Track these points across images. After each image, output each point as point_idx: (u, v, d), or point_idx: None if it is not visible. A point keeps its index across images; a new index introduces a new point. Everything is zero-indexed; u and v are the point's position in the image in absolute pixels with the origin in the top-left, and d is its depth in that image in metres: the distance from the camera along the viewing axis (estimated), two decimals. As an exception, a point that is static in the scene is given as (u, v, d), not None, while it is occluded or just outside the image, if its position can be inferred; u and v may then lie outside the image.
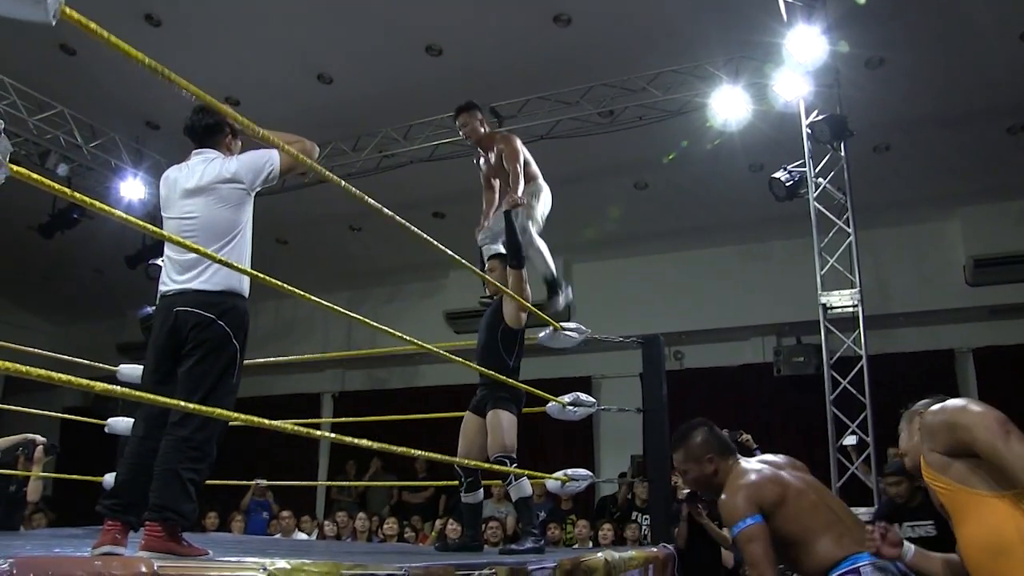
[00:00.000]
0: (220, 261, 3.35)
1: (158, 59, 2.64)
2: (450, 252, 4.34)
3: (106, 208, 2.81)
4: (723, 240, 12.64)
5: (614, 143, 10.40)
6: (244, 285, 3.73)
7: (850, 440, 8.55)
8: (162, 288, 3.72)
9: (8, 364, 2.08)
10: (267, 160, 3.78)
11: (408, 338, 4.24)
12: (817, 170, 8.85)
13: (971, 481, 2.79)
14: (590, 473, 6.11)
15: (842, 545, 3.59)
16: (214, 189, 3.70)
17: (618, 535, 8.99)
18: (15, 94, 10.03)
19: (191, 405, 2.91)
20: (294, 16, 9.34)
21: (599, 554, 4.63)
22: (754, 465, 3.95)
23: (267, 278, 3.29)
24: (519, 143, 6.14)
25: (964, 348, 11.96)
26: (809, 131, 8.78)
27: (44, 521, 9.44)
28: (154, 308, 3.77)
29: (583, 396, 6.05)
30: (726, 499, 3.76)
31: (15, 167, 2.31)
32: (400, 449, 3.65)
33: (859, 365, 8.28)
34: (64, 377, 2.26)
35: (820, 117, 8.69)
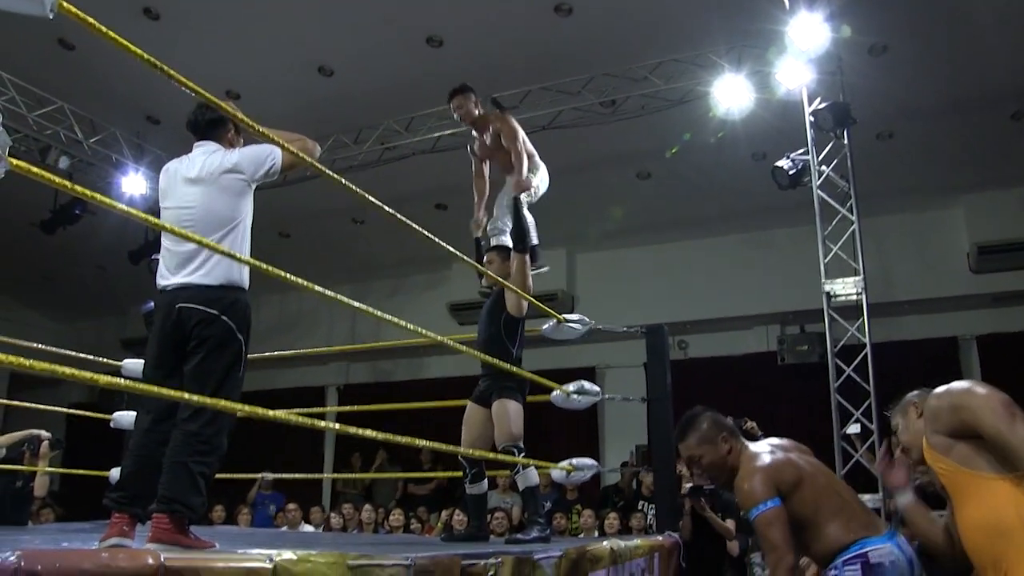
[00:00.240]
0: (220, 251, 3.35)
1: (157, 53, 2.64)
2: (451, 248, 4.33)
3: (107, 201, 2.81)
4: (726, 229, 12.64)
5: (616, 133, 10.39)
6: (245, 277, 3.72)
7: (853, 429, 8.54)
8: (161, 282, 3.71)
9: (13, 358, 2.08)
10: (269, 154, 3.78)
11: (414, 328, 4.24)
12: (820, 158, 8.84)
13: (973, 463, 2.81)
14: (595, 462, 6.10)
15: (850, 529, 3.59)
16: (215, 179, 3.70)
17: (623, 524, 9.00)
18: (14, 90, 10.02)
19: (195, 398, 2.90)
20: (294, 9, 9.33)
21: (604, 543, 4.64)
22: (767, 447, 3.95)
23: (271, 269, 3.29)
24: (515, 122, 6.15)
25: (968, 335, 11.96)
26: (812, 119, 8.76)
27: (51, 516, 9.46)
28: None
29: (587, 385, 6.04)
30: (743, 483, 3.74)
31: (15, 161, 2.31)
32: (405, 439, 3.65)
33: (863, 353, 8.27)
34: (69, 371, 2.26)
35: (823, 105, 8.67)
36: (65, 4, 2.29)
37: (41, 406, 7.82)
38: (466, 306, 12.88)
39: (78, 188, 2.65)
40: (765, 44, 9.02)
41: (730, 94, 9.38)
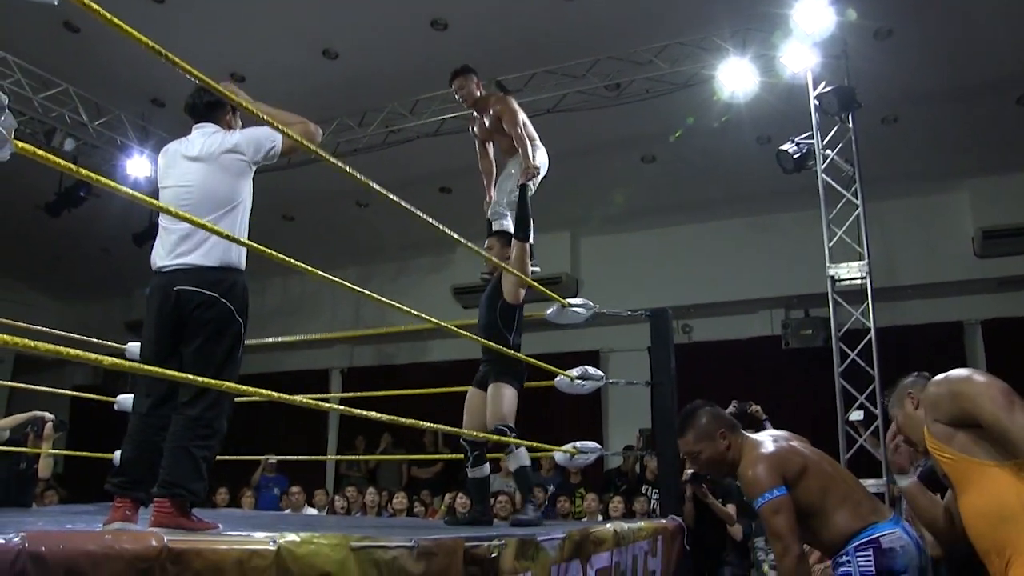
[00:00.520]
0: (217, 232, 3.30)
1: (162, 37, 2.63)
2: (455, 235, 4.32)
3: (112, 183, 2.80)
4: (731, 213, 12.63)
5: (621, 116, 10.37)
6: (242, 259, 3.71)
7: (856, 415, 8.56)
8: (157, 262, 3.68)
9: (17, 339, 2.09)
10: (270, 136, 3.77)
11: (418, 313, 4.24)
12: (825, 142, 8.83)
13: (974, 451, 2.81)
14: (599, 446, 6.12)
15: (859, 515, 3.61)
16: (215, 159, 3.69)
17: (627, 508, 9.02)
18: (19, 72, 10.01)
19: (199, 379, 2.90)
20: (299, -9, 9.32)
21: (608, 525, 4.65)
22: (768, 436, 3.96)
23: (276, 254, 3.28)
24: (515, 104, 6.13)
25: (972, 320, 11.96)
26: (817, 103, 8.75)
27: (55, 498, 9.49)
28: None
29: (591, 370, 6.04)
30: (747, 471, 3.75)
31: (20, 143, 2.31)
32: (408, 421, 3.66)
33: (867, 337, 8.28)
34: (73, 352, 2.26)
35: (828, 89, 8.66)
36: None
37: (45, 388, 7.85)
38: (470, 290, 12.88)
39: (83, 171, 2.65)
40: (770, 27, 9.00)
41: (735, 78, 9.36)
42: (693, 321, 13.27)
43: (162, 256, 3.66)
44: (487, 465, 5.56)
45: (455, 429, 4.78)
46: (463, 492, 9.65)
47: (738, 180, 11.81)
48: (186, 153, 3.75)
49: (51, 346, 2.15)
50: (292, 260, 3.35)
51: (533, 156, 5.90)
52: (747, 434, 4.00)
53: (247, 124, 3.93)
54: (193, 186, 3.67)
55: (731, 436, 3.94)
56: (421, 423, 3.77)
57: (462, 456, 5.64)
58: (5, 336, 2.05)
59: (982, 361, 11.33)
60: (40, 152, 2.38)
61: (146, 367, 2.64)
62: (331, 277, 3.63)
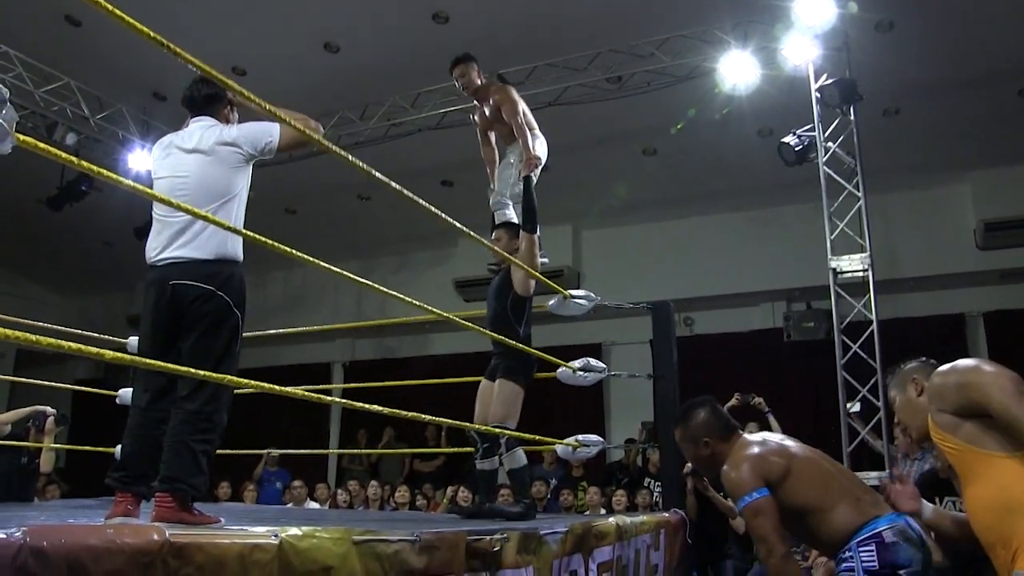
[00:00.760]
0: (215, 222, 3.30)
1: (164, 30, 2.63)
2: (458, 224, 4.32)
3: (114, 176, 2.80)
4: (733, 205, 12.63)
5: (622, 109, 10.37)
6: (239, 250, 3.69)
7: (854, 408, 8.57)
8: (152, 255, 3.66)
9: (20, 334, 2.09)
10: (267, 131, 3.75)
11: (421, 304, 4.24)
12: (827, 134, 8.82)
13: (981, 441, 2.77)
14: (601, 439, 6.11)
15: (860, 511, 3.59)
16: (212, 150, 3.68)
17: (630, 501, 9.03)
18: (21, 66, 10.00)
19: (201, 373, 2.90)
20: (300, -15, 9.31)
21: (610, 519, 4.65)
22: (758, 438, 3.96)
23: (278, 245, 3.28)
24: (515, 93, 6.11)
25: (975, 312, 11.95)
26: (818, 95, 8.74)
27: (57, 492, 9.51)
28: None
29: (593, 362, 6.04)
30: (730, 472, 3.77)
31: (22, 137, 2.31)
32: (410, 414, 3.66)
33: (869, 330, 8.28)
34: (75, 346, 2.26)
35: (829, 81, 8.65)
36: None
37: (47, 382, 7.85)
38: (472, 282, 12.88)
39: (84, 164, 2.65)
40: (771, 20, 8.99)
41: (736, 70, 9.35)
42: (695, 314, 13.28)
43: (157, 249, 3.65)
44: (496, 458, 5.53)
45: (457, 422, 4.77)
46: (465, 485, 9.67)
47: (740, 173, 11.81)
48: (182, 145, 3.74)
49: (53, 340, 2.15)
50: (294, 252, 3.35)
51: (533, 146, 5.89)
52: (742, 434, 4.01)
53: (243, 118, 3.92)
54: (188, 177, 3.65)
55: (715, 444, 3.96)
56: (423, 416, 3.77)
57: (465, 449, 5.64)
58: (7, 330, 2.05)
59: (984, 353, 11.30)
60: (41, 145, 2.38)
61: (148, 361, 2.64)
62: (333, 268, 3.62)
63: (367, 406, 3.44)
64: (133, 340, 6.60)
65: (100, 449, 7.04)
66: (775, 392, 9.98)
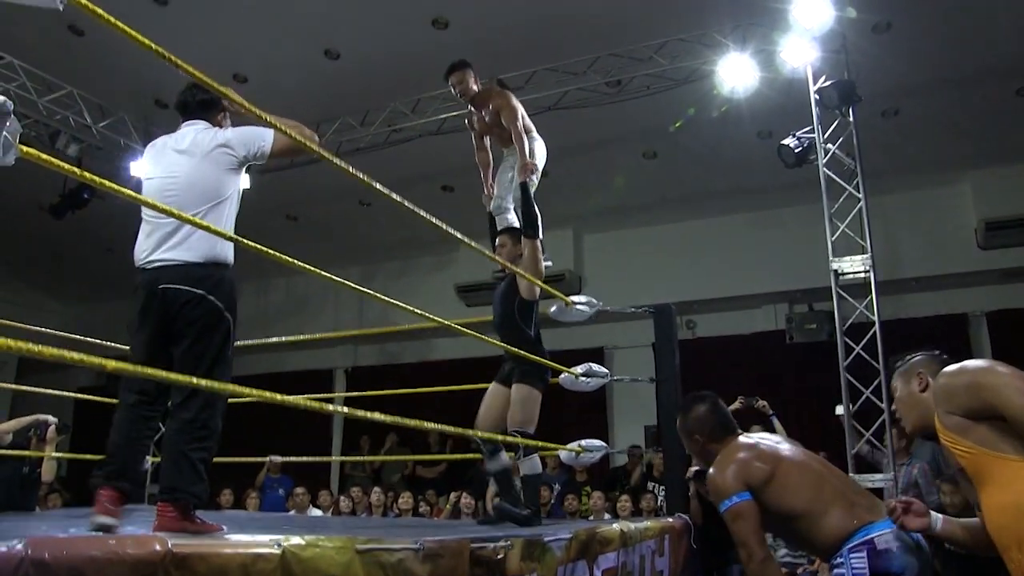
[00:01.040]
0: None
1: (165, 39, 2.64)
2: (459, 235, 4.32)
3: (115, 187, 2.81)
4: (733, 208, 12.63)
5: (622, 113, 10.38)
6: (229, 254, 3.65)
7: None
8: (141, 257, 3.64)
9: (23, 344, 2.09)
10: (260, 136, 3.73)
11: (422, 312, 4.24)
12: (826, 136, 8.81)
13: (996, 445, 2.68)
14: (604, 444, 6.12)
15: (854, 515, 3.57)
16: (205, 152, 3.66)
17: (635, 506, 9.03)
18: (24, 75, 10.03)
19: (204, 381, 2.88)
20: (299, -8, 9.32)
21: (615, 525, 4.65)
22: (749, 441, 3.96)
23: (278, 254, 3.28)
24: (514, 99, 6.10)
25: (977, 312, 11.95)
26: (817, 97, 8.73)
27: (59, 501, 9.49)
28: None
29: (596, 367, 6.05)
30: (714, 475, 3.79)
31: (25, 148, 2.31)
32: (413, 422, 3.65)
33: (872, 331, 8.25)
34: (76, 356, 2.26)
35: (828, 83, 8.64)
36: (74, -4, 2.29)
37: (49, 391, 7.84)
38: (474, 287, 12.90)
39: (87, 175, 2.65)
40: (770, 23, 9.01)
41: (735, 73, 9.36)
42: (697, 317, 13.27)
43: (146, 251, 3.62)
44: (503, 453, 5.45)
45: (460, 429, 4.76)
46: (468, 491, 9.65)
47: (740, 175, 11.82)
48: (175, 146, 3.73)
49: (55, 351, 2.15)
50: (295, 260, 3.34)
51: (531, 151, 5.88)
52: (737, 436, 4.01)
53: (236, 124, 3.91)
54: (179, 177, 3.63)
55: (705, 443, 4.00)
56: (425, 424, 3.76)
57: (468, 456, 5.62)
58: (9, 341, 2.05)
59: (988, 353, 11.29)
60: (44, 156, 2.39)
61: (149, 371, 2.62)
62: (334, 277, 3.62)
63: (369, 414, 3.43)
64: (135, 348, 6.60)
65: (102, 458, 7.02)
66: (778, 394, 9.99)
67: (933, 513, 3.21)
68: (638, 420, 12.68)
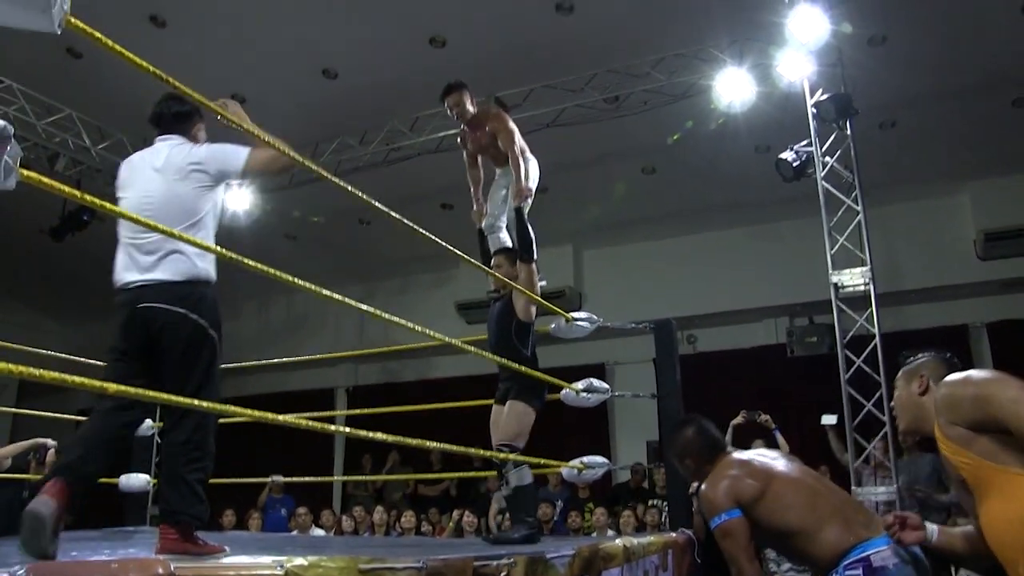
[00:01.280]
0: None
1: (164, 60, 2.66)
2: (457, 251, 4.32)
3: (115, 209, 2.82)
4: (732, 222, 12.65)
5: (620, 128, 10.40)
6: (211, 271, 3.60)
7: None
8: (121, 279, 3.53)
9: (24, 368, 2.09)
10: (235, 154, 3.65)
11: (422, 330, 4.24)
12: (824, 149, 8.82)
13: (999, 457, 2.64)
14: (606, 460, 6.10)
15: (852, 531, 3.56)
16: (179, 170, 3.59)
17: (639, 521, 9.01)
18: (23, 99, 10.07)
19: (205, 404, 2.87)
20: (298, 13, 9.34)
21: (618, 541, 4.64)
22: (742, 457, 3.96)
23: (278, 273, 3.28)
24: (511, 121, 6.10)
25: (978, 323, 11.94)
26: (814, 111, 8.75)
27: (61, 525, 9.45)
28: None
29: (597, 383, 6.03)
30: (705, 493, 3.81)
31: (25, 171, 2.32)
32: (415, 442, 3.64)
33: (873, 343, 8.25)
34: (78, 380, 2.26)
35: (825, 96, 8.66)
36: (72, 20, 2.30)
37: (49, 413, 7.84)
38: (474, 305, 12.89)
39: (87, 197, 2.66)
40: (766, 37, 9.04)
41: (732, 88, 9.40)
42: (698, 331, 13.27)
43: (125, 272, 3.54)
44: (526, 468, 5.27)
45: (462, 449, 4.75)
46: (470, 510, 9.64)
47: (738, 189, 11.83)
48: (150, 164, 3.66)
49: (56, 375, 2.15)
50: (296, 279, 3.34)
51: (526, 173, 5.87)
52: (729, 453, 4.02)
53: (213, 139, 3.86)
54: (154, 197, 3.55)
55: (698, 464, 4.01)
56: (427, 443, 3.75)
57: (470, 474, 5.60)
58: (11, 365, 2.05)
59: (989, 364, 11.27)
60: (44, 180, 2.39)
61: (149, 393, 2.61)
62: (334, 295, 3.61)
63: (371, 434, 3.42)
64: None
65: (103, 480, 7.01)
66: (780, 408, 9.98)
67: (929, 525, 3.17)
68: (640, 436, 12.66)
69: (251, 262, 3.26)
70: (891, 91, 9.62)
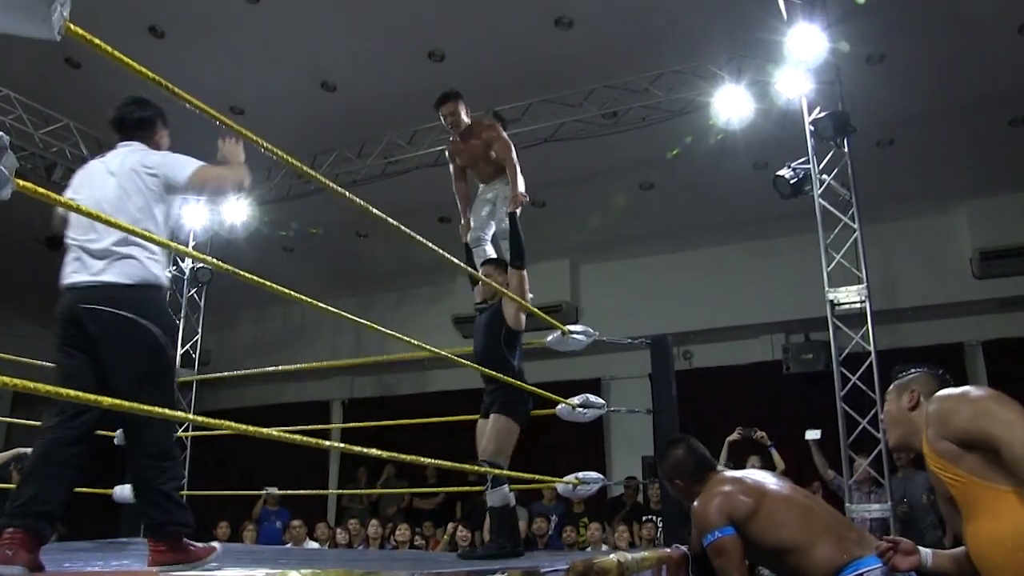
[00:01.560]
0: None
1: (162, 71, 2.65)
2: (456, 260, 4.33)
3: (111, 220, 2.81)
4: (729, 239, 12.65)
5: (618, 144, 10.41)
6: (160, 275, 3.51)
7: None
8: (67, 280, 3.44)
9: (19, 381, 2.09)
10: (183, 164, 3.60)
11: (418, 343, 4.23)
12: (821, 167, 8.83)
13: (989, 475, 2.64)
14: (601, 476, 6.08)
15: (844, 549, 3.56)
16: (134, 175, 3.53)
17: (632, 536, 9.00)
18: (21, 108, 10.09)
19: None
20: (297, 25, 9.36)
21: (612, 556, 4.62)
22: (734, 475, 3.96)
23: (275, 286, 3.27)
24: (505, 133, 6.14)
25: (973, 341, 11.93)
26: (812, 128, 8.75)
27: (54, 535, 9.42)
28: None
29: (592, 398, 6.02)
30: (697, 509, 3.81)
31: (21, 182, 2.32)
32: (409, 458, 3.64)
33: (868, 361, 8.25)
34: (72, 393, 2.26)
35: (822, 114, 8.67)
36: (72, 27, 2.30)
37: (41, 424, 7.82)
38: (471, 319, 12.76)
39: (83, 207, 2.65)
40: (764, 55, 9.07)
41: (730, 104, 9.43)
42: (694, 347, 13.25)
43: (73, 274, 3.45)
44: (506, 487, 5.26)
45: (455, 465, 4.74)
46: (464, 524, 9.62)
47: (736, 206, 11.85)
48: (106, 168, 3.62)
49: (50, 387, 2.15)
50: (292, 292, 3.34)
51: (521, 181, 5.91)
52: (719, 472, 4.03)
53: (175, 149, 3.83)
54: (107, 200, 3.46)
55: (684, 485, 4.03)
56: (421, 459, 3.74)
57: (464, 488, 5.57)
58: (5, 377, 2.05)
59: (984, 382, 11.23)
60: (40, 190, 2.39)
61: (144, 407, 2.60)
62: (331, 308, 3.60)
63: (365, 450, 3.41)
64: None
65: (97, 491, 6.99)
66: (775, 424, 9.95)
67: (923, 549, 3.15)
68: (635, 451, 12.64)
69: (248, 274, 3.25)
70: (889, 109, 9.64)
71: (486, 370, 5.10)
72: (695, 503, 3.86)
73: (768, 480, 3.94)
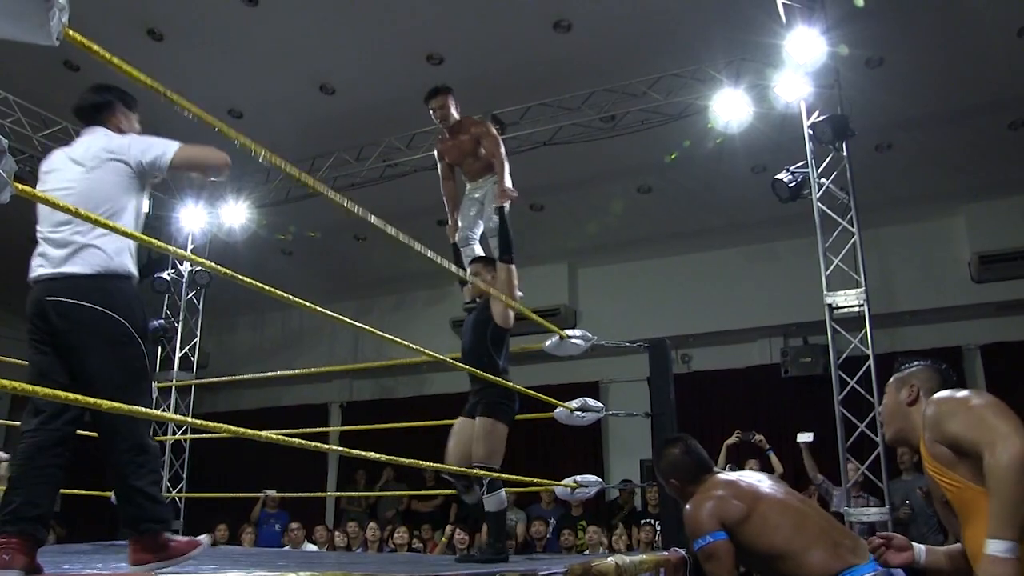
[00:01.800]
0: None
1: (160, 74, 2.65)
2: (453, 267, 4.33)
3: (108, 224, 2.82)
4: (728, 242, 12.65)
5: (616, 148, 10.41)
6: (128, 265, 3.46)
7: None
8: (33, 274, 3.44)
9: (17, 384, 2.09)
10: (162, 145, 3.56)
11: (416, 347, 4.24)
12: (820, 170, 8.83)
13: (982, 480, 2.58)
14: (599, 479, 6.09)
15: (839, 556, 3.53)
16: (98, 162, 3.48)
17: (630, 539, 9.00)
18: (19, 111, 10.07)
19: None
20: (295, 28, 9.36)
21: (610, 559, 4.62)
22: (728, 478, 3.95)
23: (274, 290, 3.27)
24: (495, 129, 6.15)
25: (971, 345, 11.94)
26: (811, 132, 8.75)
27: (53, 537, 9.42)
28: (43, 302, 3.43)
29: (591, 401, 6.03)
30: (689, 513, 3.79)
31: (20, 186, 2.32)
32: (408, 461, 3.64)
33: (866, 364, 8.25)
34: (71, 396, 2.26)
35: (821, 118, 8.67)
36: (71, 32, 2.31)
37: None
38: (469, 322, 12.86)
39: (81, 211, 2.66)
40: (763, 58, 9.07)
41: (729, 108, 9.42)
42: (692, 351, 13.26)
43: (38, 267, 3.44)
44: (479, 489, 5.31)
45: (452, 468, 4.73)
46: (462, 526, 9.62)
47: (734, 209, 11.86)
48: (69, 155, 3.58)
49: (49, 391, 2.15)
50: (291, 296, 3.34)
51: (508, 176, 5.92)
52: (715, 474, 4.02)
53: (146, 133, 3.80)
54: (72, 189, 3.41)
55: (680, 485, 4.02)
56: (420, 463, 3.75)
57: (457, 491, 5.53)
58: (3, 380, 2.05)
59: (982, 386, 11.26)
60: (39, 194, 2.40)
61: (143, 410, 2.60)
62: (329, 313, 3.61)
63: (364, 453, 3.41)
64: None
65: (96, 493, 6.99)
66: (774, 428, 9.96)
67: (916, 545, 3.12)
68: (634, 454, 12.64)
69: (246, 278, 3.25)
70: (888, 113, 9.65)
71: (472, 369, 5.08)
72: (687, 506, 3.84)
73: (763, 483, 3.92)
